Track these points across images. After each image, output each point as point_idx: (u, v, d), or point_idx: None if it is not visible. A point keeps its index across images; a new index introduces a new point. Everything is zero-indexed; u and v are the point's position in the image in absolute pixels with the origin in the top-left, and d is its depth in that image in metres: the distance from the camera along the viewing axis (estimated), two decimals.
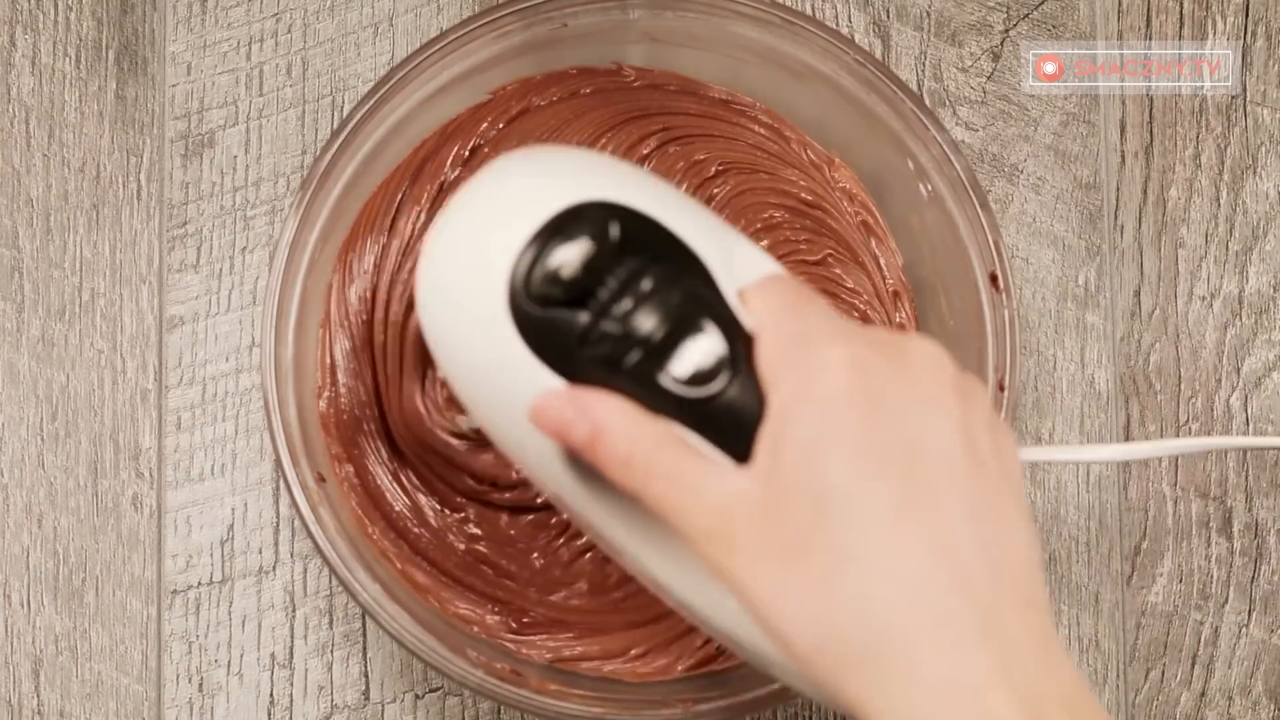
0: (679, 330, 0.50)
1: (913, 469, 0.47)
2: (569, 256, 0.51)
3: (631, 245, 0.51)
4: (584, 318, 0.51)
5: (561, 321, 0.51)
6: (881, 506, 0.46)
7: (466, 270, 0.53)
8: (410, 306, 0.72)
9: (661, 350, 0.50)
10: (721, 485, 0.48)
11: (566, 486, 0.54)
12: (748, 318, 0.51)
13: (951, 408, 0.49)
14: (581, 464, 0.53)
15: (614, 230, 0.51)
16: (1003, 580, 0.47)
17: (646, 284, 0.50)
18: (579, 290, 0.51)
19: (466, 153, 0.72)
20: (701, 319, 0.50)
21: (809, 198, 0.73)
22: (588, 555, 0.72)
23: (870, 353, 0.48)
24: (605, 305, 0.51)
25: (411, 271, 0.72)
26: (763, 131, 0.74)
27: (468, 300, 0.53)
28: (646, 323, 0.50)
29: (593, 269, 0.51)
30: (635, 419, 0.50)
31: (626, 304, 0.50)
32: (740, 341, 0.50)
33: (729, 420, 0.49)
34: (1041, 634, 0.47)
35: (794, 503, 0.47)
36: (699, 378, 0.49)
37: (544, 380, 0.51)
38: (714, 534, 0.48)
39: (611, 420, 0.49)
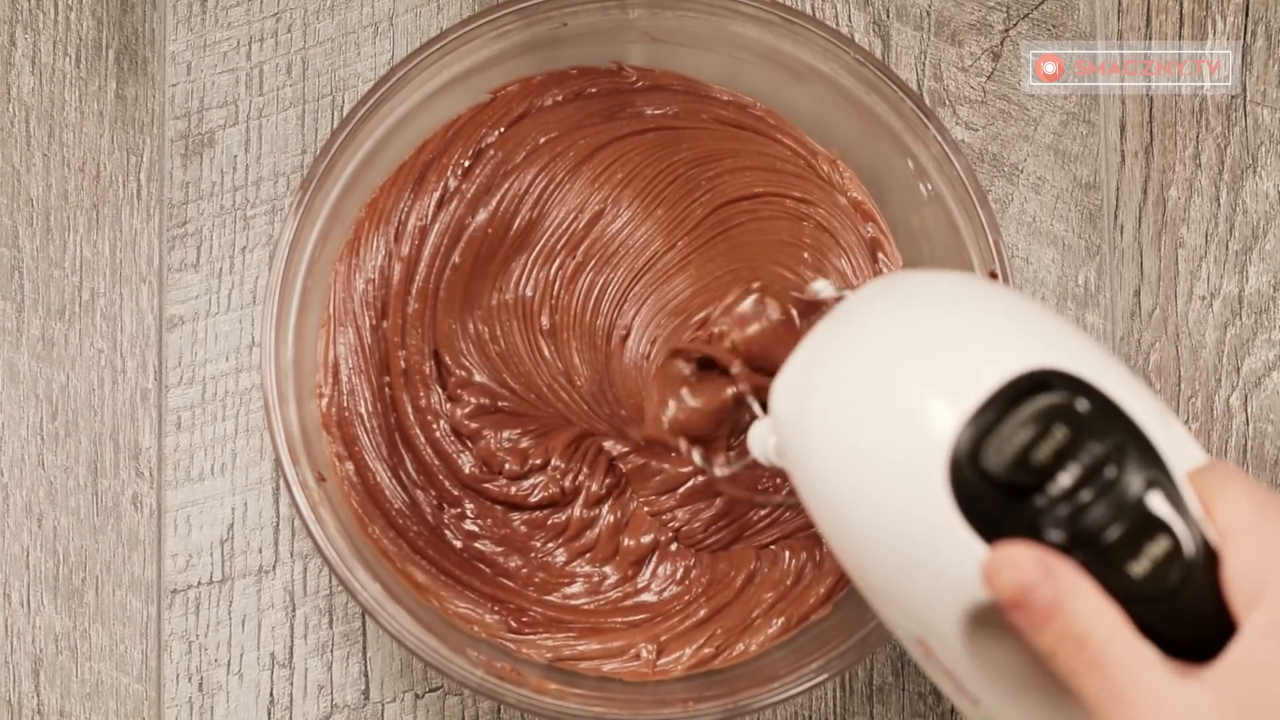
0: (1140, 530, 0.45)
1: None
2: (1034, 439, 0.45)
3: (1093, 425, 0.46)
4: (1040, 501, 0.46)
5: (1014, 502, 0.46)
6: None
7: (890, 426, 0.48)
8: (421, 302, 0.72)
9: (1119, 547, 0.45)
10: (1189, 690, 0.43)
11: (953, 644, 0.49)
12: (1211, 529, 0.46)
13: None
14: (987, 629, 0.48)
15: (1081, 408, 0.46)
16: None
17: (1110, 472, 0.45)
18: (1040, 476, 0.46)
19: (471, 154, 0.72)
20: (1162, 520, 0.45)
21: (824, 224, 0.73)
22: (586, 555, 0.72)
23: None
24: (1066, 493, 0.45)
25: (426, 267, 0.72)
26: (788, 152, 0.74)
27: (889, 457, 0.48)
28: (1106, 516, 0.45)
29: (1060, 455, 0.45)
30: (1098, 597, 0.44)
31: (1087, 494, 0.45)
32: (1205, 554, 0.45)
33: (1179, 626, 0.45)
34: None
35: None
36: (1156, 577, 0.45)
37: (975, 550, 0.47)
38: None
39: (1080, 592, 0.44)
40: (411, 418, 0.72)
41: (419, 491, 0.71)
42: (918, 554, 0.48)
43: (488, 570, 0.71)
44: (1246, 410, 0.76)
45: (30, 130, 0.76)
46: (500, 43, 0.70)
